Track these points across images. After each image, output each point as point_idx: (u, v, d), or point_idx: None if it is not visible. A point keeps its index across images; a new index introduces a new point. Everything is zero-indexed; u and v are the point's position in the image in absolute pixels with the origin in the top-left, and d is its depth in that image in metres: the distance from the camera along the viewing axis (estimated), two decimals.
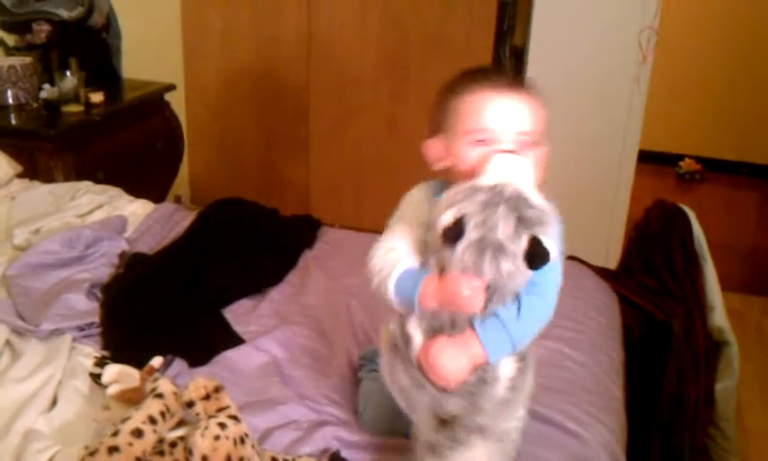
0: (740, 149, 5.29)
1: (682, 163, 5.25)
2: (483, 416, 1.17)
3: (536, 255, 1.04)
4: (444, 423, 1.18)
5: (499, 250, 1.04)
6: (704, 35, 5.08)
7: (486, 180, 1.07)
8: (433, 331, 1.15)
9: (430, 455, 1.19)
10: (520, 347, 1.19)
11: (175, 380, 1.41)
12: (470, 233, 1.04)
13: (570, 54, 3.31)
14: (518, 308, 1.15)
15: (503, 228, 1.03)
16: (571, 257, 2.26)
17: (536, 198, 1.06)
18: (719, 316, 2.05)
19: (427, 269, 1.14)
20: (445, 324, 1.14)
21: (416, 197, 1.27)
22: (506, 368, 1.19)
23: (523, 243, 1.04)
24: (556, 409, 1.51)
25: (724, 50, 5.08)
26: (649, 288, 2.08)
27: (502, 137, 1.15)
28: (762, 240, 4.40)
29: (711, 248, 2.13)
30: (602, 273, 2.18)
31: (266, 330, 1.76)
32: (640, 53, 3.23)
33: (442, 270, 1.10)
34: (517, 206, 1.04)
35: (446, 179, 1.21)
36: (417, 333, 1.16)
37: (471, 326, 1.13)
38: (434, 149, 1.24)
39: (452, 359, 1.13)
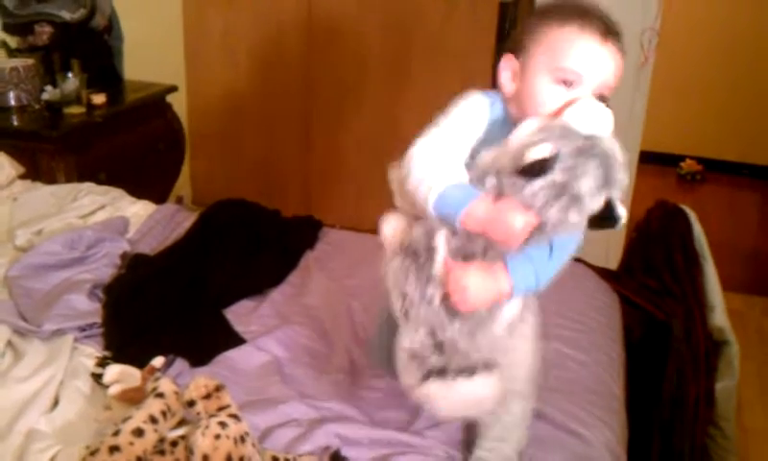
0: (741, 150, 5.29)
1: (683, 164, 5.25)
2: (474, 350, 1.16)
3: (605, 218, 1.03)
4: (437, 347, 1.16)
5: (575, 201, 1.01)
6: (705, 36, 5.08)
7: (581, 126, 1.04)
8: (463, 254, 1.12)
9: (413, 380, 1.19)
10: (540, 288, 1.19)
11: (176, 380, 1.42)
12: (556, 175, 1.01)
13: None
14: (551, 251, 1.15)
15: (588, 181, 1.01)
16: (573, 258, 2.26)
17: (622, 159, 1.04)
18: (719, 316, 2.05)
19: (475, 188, 1.09)
20: (478, 250, 1.11)
21: (477, 106, 1.20)
22: (510, 310, 1.19)
23: (599, 202, 1.03)
24: (557, 409, 1.52)
25: (725, 51, 5.07)
26: (650, 288, 2.08)
27: (586, 84, 1.10)
28: (763, 241, 4.40)
29: (713, 248, 2.13)
30: (602, 273, 2.19)
31: (267, 330, 1.77)
32: (642, 54, 3.23)
33: (497, 195, 1.06)
34: (608, 164, 1.02)
35: (508, 101, 1.18)
36: (443, 248, 1.13)
37: (503, 259, 1.12)
38: (507, 69, 1.18)
39: (482, 285, 1.11)
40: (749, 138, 5.25)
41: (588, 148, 1.02)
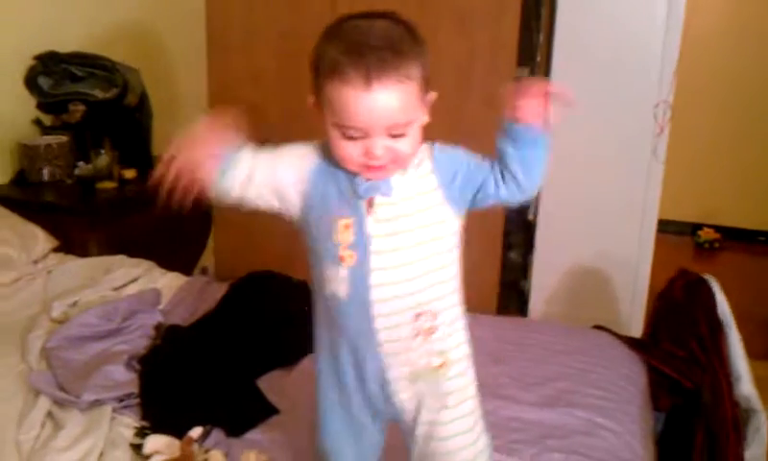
0: (758, 218, 5.30)
1: (701, 232, 5.27)
2: None
3: None
4: None
5: None
6: (720, 108, 5.14)
7: None
8: None
9: None
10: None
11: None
12: None
13: (591, 128, 3.37)
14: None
15: None
16: (599, 327, 2.29)
17: None
18: (746, 384, 2.06)
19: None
20: None
21: (302, 150, 1.27)
22: None
23: None
24: None
25: (740, 121, 5.13)
26: (676, 356, 2.09)
27: (373, 131, 1.07)
28: None
29: (734, 317, 2.15)
30: (629, 342, 2.20)
31: (300, 400, 1.79)
32: (657, 126, 3.29)
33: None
34: None
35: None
36: None
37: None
38: (312, 110, 1.16)
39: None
40: (765, 206, 5.27)
41: None
